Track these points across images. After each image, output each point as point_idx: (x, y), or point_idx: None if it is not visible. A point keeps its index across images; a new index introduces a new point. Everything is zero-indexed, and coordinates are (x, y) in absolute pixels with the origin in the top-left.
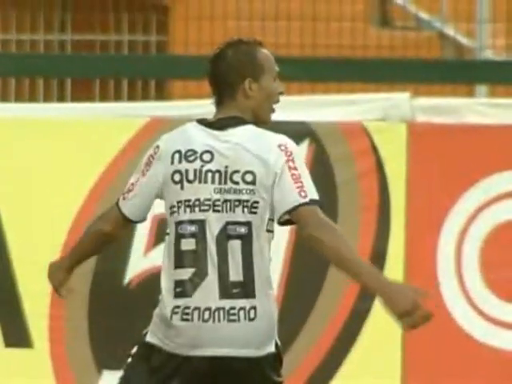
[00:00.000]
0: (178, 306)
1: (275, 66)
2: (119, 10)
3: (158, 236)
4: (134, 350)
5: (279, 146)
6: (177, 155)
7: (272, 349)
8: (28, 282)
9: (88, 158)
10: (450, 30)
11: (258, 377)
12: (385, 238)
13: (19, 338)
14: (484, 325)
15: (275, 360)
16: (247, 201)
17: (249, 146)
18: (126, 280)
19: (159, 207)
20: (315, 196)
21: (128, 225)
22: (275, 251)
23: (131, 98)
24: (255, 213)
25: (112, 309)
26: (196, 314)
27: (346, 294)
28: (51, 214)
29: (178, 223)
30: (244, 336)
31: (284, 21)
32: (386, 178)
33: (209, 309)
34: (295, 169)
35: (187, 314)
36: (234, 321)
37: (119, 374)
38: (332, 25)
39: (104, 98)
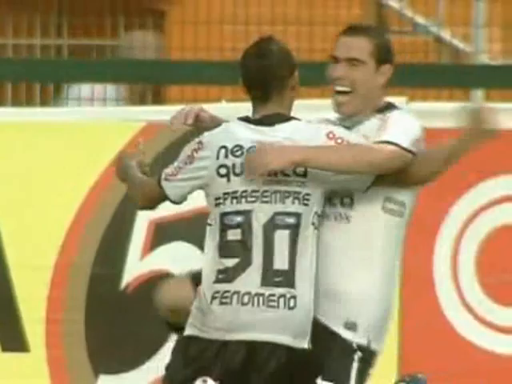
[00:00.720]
0: (217, 291)
1: None
2: (116, 15)
3: (154, 240)
4: (172, 346)
5: (327, 134)
6: (223, 150)
7: (307, 345)
8: (25, 286)
9: (85, 162)
10: (446, 35)
11: (284, 366)
12: None
13: (16, 342)
14: (480, 329)
15: (304, 357)
16: (299, 193)
17: (298, 137)
18: (123, 284)
19: (154, 212)
20: None
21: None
22: None
23: (128, 102)
24: (306, 205)
25: (109, 313)
26: (235, 297)
27: None
28: (48, 218)
29: (224, 214)
30: (283, 323)
31: (280, 25)
32: None
33: (248, 293)
34: None
35: (226, 297)
36: (273, 307)
37: (116, 378)
38: (329, 29)
39: (101, 102)
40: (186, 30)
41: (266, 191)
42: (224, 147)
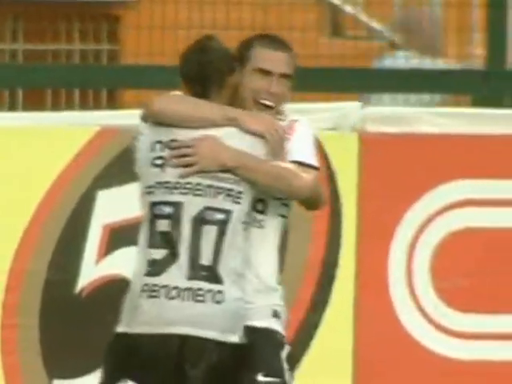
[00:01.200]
0: (146, 284)
1: None
2: (70, 20)
3: (109, 245)
4: (105, 348)
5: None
6: (158, 145)
7: (236, 339)
8: None
9: (39, 167)
10: (401, 40)
11: (215, 361)
12: (336, 247)
13: None
14: (434, 333)
15: (236, 351)
16: (231, 190)
17: (236, 142)
18: (78, 289)
19: (109, 217)
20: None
21: None
22: None
23: (83, 107)
24: (238, 203)
25: (63, 318)
26: (163, 291)
27: (295, 305)
28: (2, 223)
29: (154, 204)
30: (210, 317)
31: (235, 30)
32: (337, 187)
33: (176, 288)
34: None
35: (155, 291)
36: (200, 301)
37: (70, 383)
38: (283, 34)
39: (56, 107)
40: (141, 34)
41: (199, 184)
42: (159, 142)
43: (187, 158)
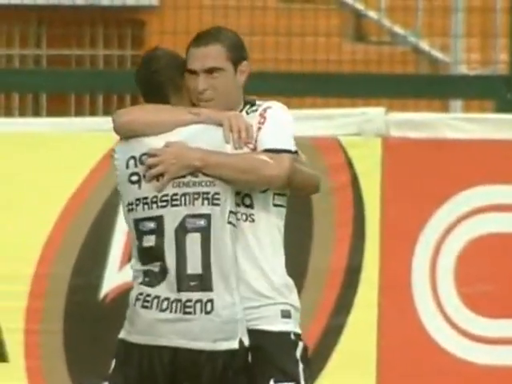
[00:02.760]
0: (141, 293)
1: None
2: (95, 25)
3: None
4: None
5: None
6: (132, 161)
7: (233, 345)
8: (3, 297)
9: (63, 173)
10: (424, 45)
11: (211, 371)
12: (360, 253)
13: None
14: (457, 337)
15: (235, 357)
16: (207, 193)
17: (198, 140)
18: (102, 294)
19: None
20: None
21: None
22: None
23: (107, 112)
24: (217, 204)
25: (87, 323)
26: (155, 302)
27: (319, 310)
28: (25, 228)
29: (137, 220)
30: (199, 328)
31: (259, 36)
32: (360, 193)
33: (167, 299)
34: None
35: (147, 301)
36: (189, 313)
37: None
38: (307, 40)
39: (79, 112)
40: (165, 39)
41: (175, 194)
42: (133, 157)
43: (155, 169)
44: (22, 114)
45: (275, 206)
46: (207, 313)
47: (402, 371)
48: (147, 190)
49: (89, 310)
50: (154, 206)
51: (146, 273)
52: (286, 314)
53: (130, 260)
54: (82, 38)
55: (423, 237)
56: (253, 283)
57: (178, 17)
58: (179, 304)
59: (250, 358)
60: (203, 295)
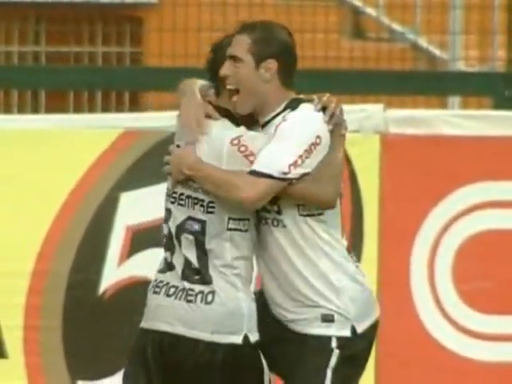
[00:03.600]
0: (155, 280)
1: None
2: (93, 22)
3: (131, 247)
4: None
5: (231, 140)
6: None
7: (236, 341)
8: (2, 293)
9: (62, 169)
10: (422, 42)
11: (208, 363)
12: (358, 249)
13: None
14: (456, 334)
15: (237, 353)
16: (203, 200)
17: (204, 142)
18: (101, 290)
19: (131, 219)
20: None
21: None
22: None
23: (105, 109)
24: (211, 212)
25: (86, 319)
26: (164, 288)
27: None
28: (24, 224)
29: (164, 207)
30: (198, 317)
31: None
32: (359, 189)
33: (174, 286)
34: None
35: (158, 287)
36: (190, 301)
37: None
38: (305, 36)
39: (78, 109)
40: (164, 37)
41: (182, 194)
42: (178, 146)
43: (166, 167)
44: (21, 110)
45: (303, 215)
46: (207, 303)
47: (401, 368)
48: (169, 182)
49: (88, 306)
50: (169, 198)
51: (163, 259)
52: (326, 318)
53: (128, 256)
54: (80, 35)
55: (421, 233)
56: (296, 285)
57: (177, 14)
58: (183, 292)
59: (262, 358)
60: (205, 288)
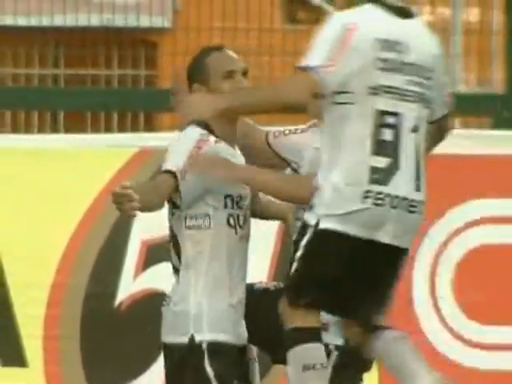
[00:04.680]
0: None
1: (229, 65)
2: (110, 46)
3: (146, 260)
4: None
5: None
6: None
7: (183, 341)
8: (23, 304)
9: (80, 187)
10: None
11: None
12: None
13: (15, 358)
14: (459, 346)
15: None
16: (174, 203)
17: None
18: (117, 302)
19: (147, 233)
20: None
21: None
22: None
23: (121, 129)
24: (173, 214)
25: (103, 330)
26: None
27: None
28: (44, 240)
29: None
30: (164, 321)
31: (266, 56)
32: None
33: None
34: None
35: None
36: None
37: None
38: None
39: (95, 129)
40: (177, 60)
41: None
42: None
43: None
44: (41, 131)
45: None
46: (166, 305)
47: None
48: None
49: (104, 317)
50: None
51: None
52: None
53: (143, 269)
54: (97, 59)
55: (423, 247)
56: None
57: (189, 38)
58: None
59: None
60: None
